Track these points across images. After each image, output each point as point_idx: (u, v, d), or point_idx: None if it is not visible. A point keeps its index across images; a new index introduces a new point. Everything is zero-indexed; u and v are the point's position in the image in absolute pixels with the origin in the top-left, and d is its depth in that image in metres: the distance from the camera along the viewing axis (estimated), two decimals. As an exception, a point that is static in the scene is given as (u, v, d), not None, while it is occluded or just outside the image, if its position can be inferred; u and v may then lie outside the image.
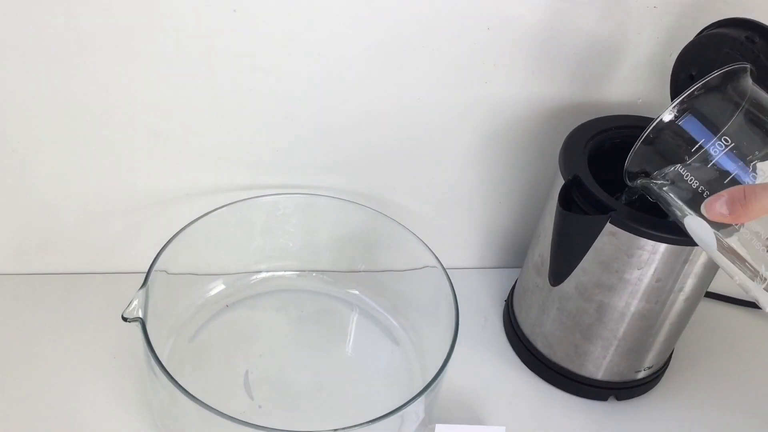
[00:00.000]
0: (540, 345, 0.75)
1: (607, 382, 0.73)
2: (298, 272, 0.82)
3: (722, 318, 0.86)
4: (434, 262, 0.71)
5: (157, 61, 0.68)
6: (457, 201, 0.84)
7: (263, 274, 0.81)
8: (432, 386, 0.61)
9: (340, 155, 0.77)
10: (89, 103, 0.69)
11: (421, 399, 0.60)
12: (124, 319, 0.60)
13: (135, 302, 0.61)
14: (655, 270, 0.64)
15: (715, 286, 0.75)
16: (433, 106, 0.75)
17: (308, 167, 0.78)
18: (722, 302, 0.87)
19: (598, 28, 0.72)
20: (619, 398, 0.75)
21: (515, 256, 0.88)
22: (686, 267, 0.64)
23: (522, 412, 0.73)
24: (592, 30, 0.72)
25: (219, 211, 0.72)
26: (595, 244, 0.64)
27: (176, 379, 0.57)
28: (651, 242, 0.62)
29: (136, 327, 0.60)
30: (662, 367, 0.77)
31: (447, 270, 0.70)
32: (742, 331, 0.85)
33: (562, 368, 0.74)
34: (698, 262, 0.64)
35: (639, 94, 0.77)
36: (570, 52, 0.73)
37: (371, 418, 0.58)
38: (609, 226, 0.62)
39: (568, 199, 0.65)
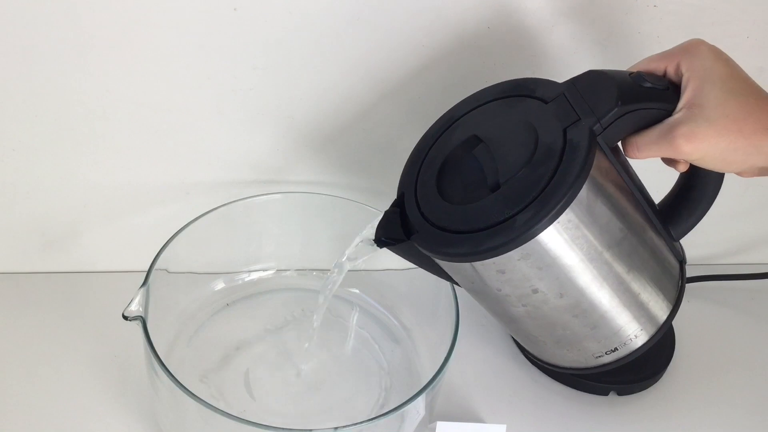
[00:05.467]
0: None
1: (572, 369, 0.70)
2: (298, 271, 0.82)
3: (723, 315, 0.87)
4: (434, 261, 0.71)
5: (157, 61, 0.68)
6: (457, 200, 0.84)
7: (263, 273, 0.81)
8: (433, 384, 0.61)
9: (341, 154, 0.78)
10: (89, 103, 0.69)
11: (422, 397, 0.60)
12: (125, 318, 0.60)
13: (135, 301, 0.61)
14: (509, 281, 0.58)
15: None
16: (432, 105, 0.75)
17: (308, 166, 0.78)
18: (723, 301, 0.88)
19: (597, 28, 0.72)
20: (619, 393, 0.75)
21: (515, 255, 0.88)
22: (517, 272, 0.57)
23: (523, 408, 0.73)
24: (591, 29, 0.72)
25: (219, 210, 0.73)
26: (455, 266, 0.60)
27: (177, 377, 0.57)
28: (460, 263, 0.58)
29: (136, 326, 0.60)
30: (664, 363, 0.76)
31: (447, 268, 0.70)
32: (742, 328, 0.85)
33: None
34: (523, 265, 0.57)
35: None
36: (570, 51, 0.73)
37: (372, 416, 0.58)
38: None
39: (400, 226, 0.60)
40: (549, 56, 0.73)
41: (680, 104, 0.56)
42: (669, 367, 0.78)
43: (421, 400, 0.60)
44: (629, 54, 0.74)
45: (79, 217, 0.77)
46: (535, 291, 0.59)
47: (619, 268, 0.61)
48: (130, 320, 0.60)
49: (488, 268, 0.57)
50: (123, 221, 0.78)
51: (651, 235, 0.64)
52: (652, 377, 0.76)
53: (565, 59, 0.73)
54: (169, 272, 0.68)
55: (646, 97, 0.56)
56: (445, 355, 0.63)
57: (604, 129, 0.54)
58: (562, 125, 0.55)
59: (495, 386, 0.75)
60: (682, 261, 0.68)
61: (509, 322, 0.67)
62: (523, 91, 0.60)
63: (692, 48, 0.57)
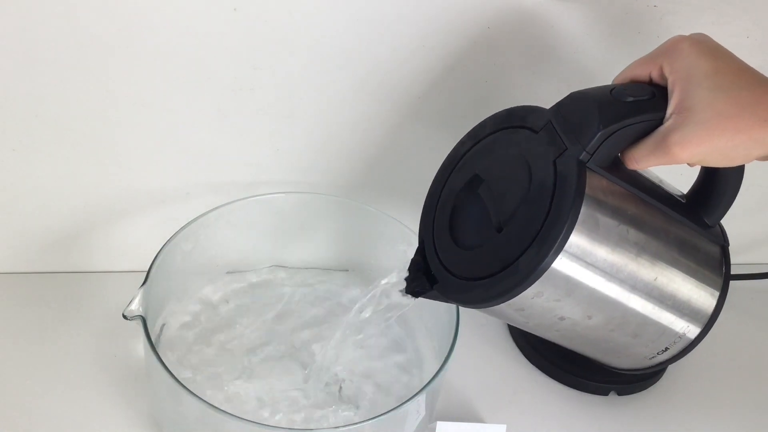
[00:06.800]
0: (541, 339, 0.75)
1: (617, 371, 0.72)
2: (298, 271, 0.82)
3: (723, 315, 0.86)
4: (434, 261, 0.71)
5: (157, 61, 0.68)
6: (457, 200, 0.84)
7: (263, 273, 0.81)
8: (433, 384, 0.61)
9: (340, 154, 0.78)
10: (89, 103, 0.69)
11: (422, 396, 0.60)
12: (125, 318, 0.60)
13: (135, 301, 0.61)
14: (531, 315, 0.59)
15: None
16: (432, 105, 0.75)
17: (308, 166, 0.78)
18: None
19: (598, 28, 0.72)
20: (619, 393, 0.75)
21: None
22: (536, 307, 0.57)
23: (523, 408, 0.73)
24: (592, 29, 0.72)
25: (219, 209, 0.73)
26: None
27: (177, 376, 0.57)
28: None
29: (136, 326, 0.60)
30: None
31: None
32: (742, 328, 0.85)
33: (563, 363, 0.74)
34: (540, 301, 0.57)
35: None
36: (570, 52, 0.73)
37: (372, 416, 0.58)
38: None
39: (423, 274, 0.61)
40: (549, 57, 0.73)
41: (669, 110, 0.53)
42: (669, 367, 0.78)
43: (421, 400, 0.60)
44: (629, 54, 0.74)
45: (79, 216, 0.77)
46: (562, 319, 0.60)
47: (645, 278, 0.60)
48: (130, 320, 0.60)
49: (505, 309, 0.57)
50: (123, 221, 0.78)
51: (677, 232, 0.62)
52: (652, 377, 0.76)
53: (566, 60, 0.73)
54: (169, 272, 0.68)
55: (630, 113, 0.54)
56: (445, 355, 0.63)
57: (592, 155, 0.54)
58: (552, 157, 0.55)
59: (495, 386, 0.75)
60: (723, 245, 0.66)
61: (554, 342, 0.68)
62: (515, 122, 0.60)
63: (672, 48, 0.55)
